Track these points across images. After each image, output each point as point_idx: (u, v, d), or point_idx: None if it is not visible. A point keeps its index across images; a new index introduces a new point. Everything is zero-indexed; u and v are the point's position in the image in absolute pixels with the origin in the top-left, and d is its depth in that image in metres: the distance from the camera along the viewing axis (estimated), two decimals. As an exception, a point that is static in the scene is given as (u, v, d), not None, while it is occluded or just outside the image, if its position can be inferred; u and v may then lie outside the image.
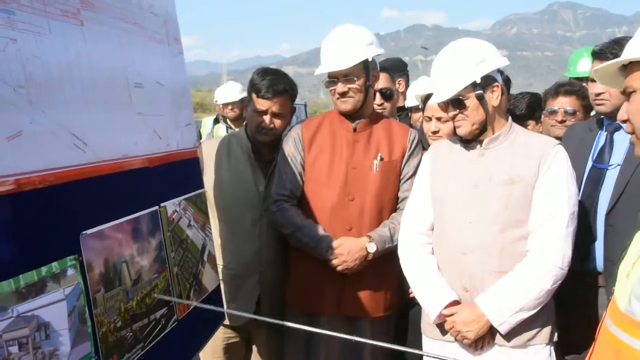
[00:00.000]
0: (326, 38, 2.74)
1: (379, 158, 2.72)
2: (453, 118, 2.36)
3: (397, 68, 4.32)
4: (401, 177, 2.79)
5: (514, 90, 4.04)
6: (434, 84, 2.41)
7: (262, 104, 2.84)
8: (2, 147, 1.18)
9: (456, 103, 2.32)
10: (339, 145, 2.76)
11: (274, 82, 2.84)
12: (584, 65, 4.21)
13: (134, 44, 1.83)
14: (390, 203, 2.79)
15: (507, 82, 3.73)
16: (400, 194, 2.79)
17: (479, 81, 2.26)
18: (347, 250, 2.64)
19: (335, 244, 2.65)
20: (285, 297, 2.91)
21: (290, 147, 2.82)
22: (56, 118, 1.37)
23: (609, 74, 1.51)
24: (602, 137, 2.69)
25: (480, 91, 2.28)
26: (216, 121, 6.77)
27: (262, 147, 2.96)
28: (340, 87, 2.69)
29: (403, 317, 2.98)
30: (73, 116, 1.44)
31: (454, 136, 2.51)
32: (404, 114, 4.09)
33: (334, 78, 2.71)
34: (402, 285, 2.75)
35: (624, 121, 1.45)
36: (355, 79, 2.67)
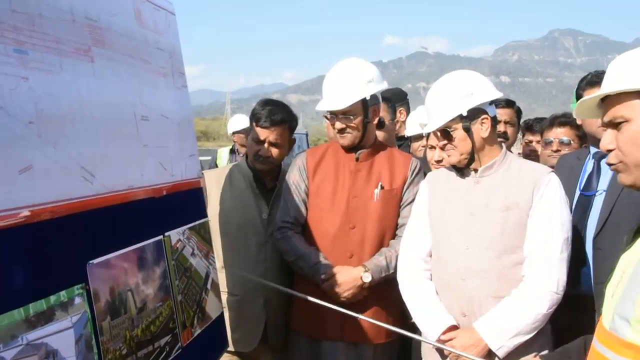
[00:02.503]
0: (329, 73, 2.82)
1: (379, 187, 2.78)
2: (443, 148, 2.45)
3: (397, 98, 4.38)
4: (401, 204, 2.85)
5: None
6: (427, 114, 2.49)
7: (260, 133, 2.93)
8: (14, 180, 1.24)
9: (444, 134, 2.41)
10: (342, 174, 2.83)
11: (273, 112, 2.93)
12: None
13: (141, 79, 1.89)
14: (391, 230, 2.84)
15: (518, 112, 3.81)
16: (400, 220, 2.84)
17: (465, 114, 2.34)
18: (340, 282, 2.69)
19: (329, 273, 2.70)
20: (290, 321, 2.94)
21: (295, 175, 2.89)
22: (66, 152, 1.42)
23: (588, 107, 1.57)
24: (589, 165, 2.77)
25: (467, 123, 2.36)
26: (232, 152, 6.89)
27: (263, 176, 3.03)
28: (338, 124, 2.77)
29: (406, 343, 2.99)
30: (82, 149, 1.49)
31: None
32: (405, 143, 4.14)
33: (333, 114, 2.78)
34: (404, 311, 2.78)
35: (609, 150, 1.47)
36: (352, 117, 2.74)
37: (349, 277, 2.69)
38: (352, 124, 2.76)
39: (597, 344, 1.39)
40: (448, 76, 2.48)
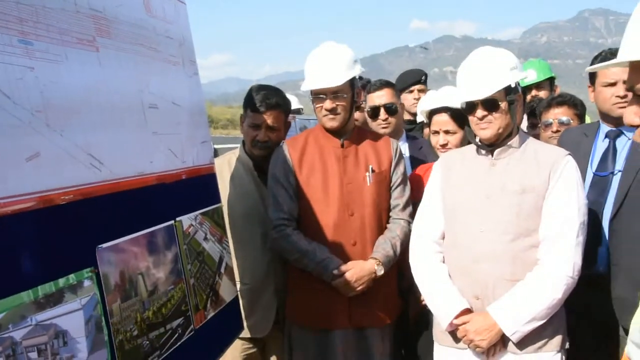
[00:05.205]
0: (311, 55, 2.76)
1: (370, 170, 2.75)
2: (481, 119, 2.34)
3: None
4: (391, 185, 2.83)
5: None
6: (466, 84, 2.38)
7: (256, 118, 2.92)
8: (21, 167, 1.28)
9: (490, 104, 2.32)
10: (330, 162, 2.77)
11: (267, 97, 2.91)
12: (529, 76, 4.56)
13: (149, 67, 1.93)
14: (386, 213, 2.82)
15: (523, 93, 3.75)
16: (392, 202, 2.82)
17: (513, 85, 2.31)
18: (356, 278, 2.65)
19: (342, 268, 2.66)
20: (291, 318, 2.89)
21: (280, 168, 2.80)
22: (73, 139, 1.47)
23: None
24: (598, 143, 2.72)
25: (513, 96, 2.32)
26: None
27: (262, 162, 3.00)
28: (329, 104, 2.70)
29: (415, 324, 3.00)
30: (89, 137, 1.54)
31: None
32: (417, 126, 4.13)
33: (321, 95, 2.72)
34: (401, 289, 2.78)
35: (634, 126, 1.33)
36: (345, 95, 2.70)
37: (364, 272, 2.67)
38: (342, 104, 2.71)
39: None
40: (485, 49, 2.42)
